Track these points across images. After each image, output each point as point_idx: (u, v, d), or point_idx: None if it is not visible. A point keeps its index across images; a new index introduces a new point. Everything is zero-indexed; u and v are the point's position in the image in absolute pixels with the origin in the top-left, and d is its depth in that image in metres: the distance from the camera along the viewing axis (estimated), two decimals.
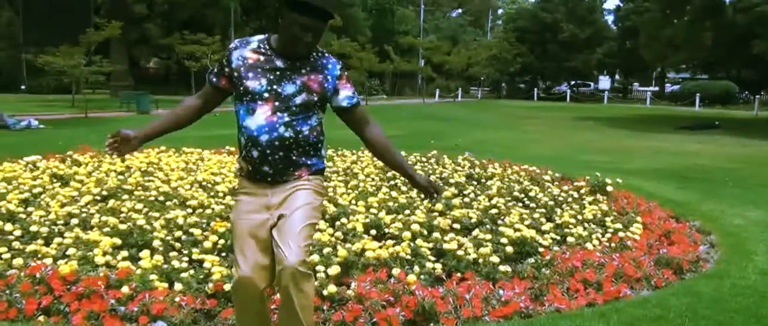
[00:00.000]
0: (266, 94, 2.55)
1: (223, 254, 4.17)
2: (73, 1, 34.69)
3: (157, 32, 40.25)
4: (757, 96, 35.47)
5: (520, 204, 5.97)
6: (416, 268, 4.04)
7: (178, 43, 28.52)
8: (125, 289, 3.40)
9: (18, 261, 3.75)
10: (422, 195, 2.51)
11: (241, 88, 2.57)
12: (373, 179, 6.70)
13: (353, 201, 5.52)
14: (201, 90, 2.77)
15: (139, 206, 5.02)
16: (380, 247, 4.24)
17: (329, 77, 2.63)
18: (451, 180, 6.76)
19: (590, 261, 4.33)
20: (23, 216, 4.78)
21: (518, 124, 22.36)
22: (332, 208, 5.20)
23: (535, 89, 51.06)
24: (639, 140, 17.14)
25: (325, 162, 2.80)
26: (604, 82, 57.75)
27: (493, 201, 5.84)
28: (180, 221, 4.62)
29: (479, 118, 25.50)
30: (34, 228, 4.43)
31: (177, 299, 3.38)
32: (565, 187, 6.85)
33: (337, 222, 4.89)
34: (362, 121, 2.75)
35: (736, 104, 39.33)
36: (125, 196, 5.41)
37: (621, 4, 51.76)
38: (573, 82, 53.93)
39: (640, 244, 4.93)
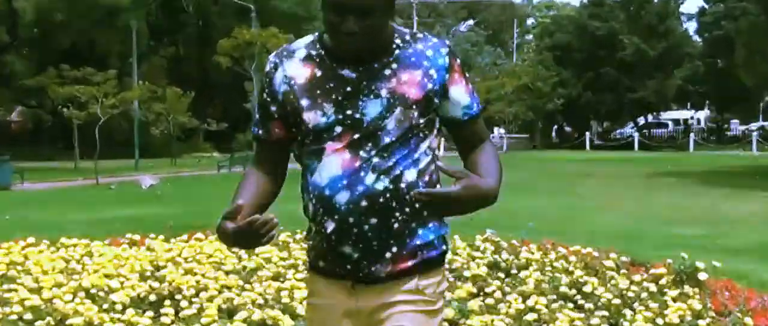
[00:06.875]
0: (338, 127, 2.31)
1: None
2: None
3: (23, 67, 40.40)
4: None
5: (571, 305, 5.96)
6: None
7: (54, 83, 28.58)
8: None
9: None
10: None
11: (302, 126, 2.35)
12: None
13: None
14: (255, 154, 2.58)
15: None
16: None
17: (433, 71, 2.38)
18: (466, 273, 6.74)
19: None
20: None
21: (564, 186, 22.46)
22: None
23: (588, 133, 51.28)
24: (744, 202, 17.20)
25: (448, 233, 2.52)
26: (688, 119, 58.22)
27: (530, 302, 5.83)
28: None
29: (506, 177, 25.48)
30: None
31: None
32: (637, 277, 6.85)
33: None
34: (477, 140, 2.55)
35: None
36: None
37: (706, 6, 52.28)
38: (642, 122, 54.27)
39: None
